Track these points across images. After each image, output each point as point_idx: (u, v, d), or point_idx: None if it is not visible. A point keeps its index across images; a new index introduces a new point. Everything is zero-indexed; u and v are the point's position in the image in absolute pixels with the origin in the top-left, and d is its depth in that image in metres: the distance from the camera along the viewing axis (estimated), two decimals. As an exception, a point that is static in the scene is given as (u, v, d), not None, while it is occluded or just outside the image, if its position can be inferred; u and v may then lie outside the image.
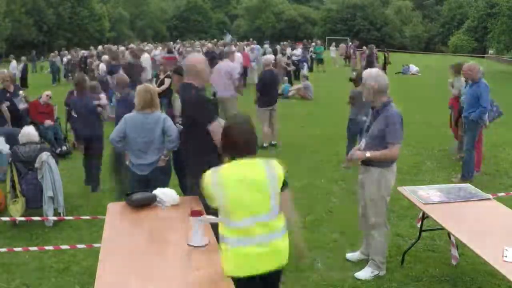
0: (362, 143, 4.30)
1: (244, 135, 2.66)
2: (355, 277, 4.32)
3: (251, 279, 2.62)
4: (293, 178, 7.23)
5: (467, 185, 4.75)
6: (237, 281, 2.61)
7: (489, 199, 4.35)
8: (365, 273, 4.34)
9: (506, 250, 3.24)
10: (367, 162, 4.19)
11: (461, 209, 4.15)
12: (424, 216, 4.36)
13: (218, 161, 3.96)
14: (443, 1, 53.05)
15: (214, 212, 3.76)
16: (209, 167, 3.87)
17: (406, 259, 4.57)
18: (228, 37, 23.18)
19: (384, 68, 22.60)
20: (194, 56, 4.44)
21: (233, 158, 2.66)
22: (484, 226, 3.82)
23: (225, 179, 2.60)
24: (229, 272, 2.63)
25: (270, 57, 10.06)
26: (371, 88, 4.10)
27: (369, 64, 21.69)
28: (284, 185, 2.73)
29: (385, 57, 23.08)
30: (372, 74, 4.20)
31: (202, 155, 3.88)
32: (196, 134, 3.92)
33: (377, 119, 4.12)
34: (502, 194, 5.57)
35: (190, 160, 4.08)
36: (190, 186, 4.05)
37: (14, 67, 20.02)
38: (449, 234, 4.28)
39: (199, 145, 3.94)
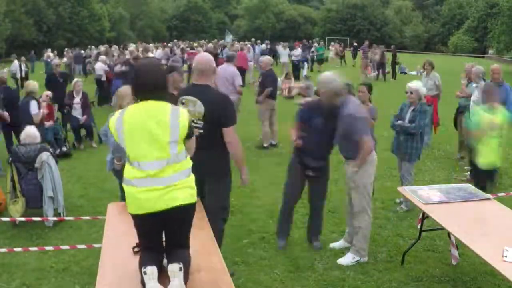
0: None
1: (149, 76, 2.61)
2: (337, 263, 4.55)
3: (145, 217, 2.57)
4: (293, 178, 7.25)
5: (467, 185, 4.75)
6: (134, 217, 2.62)
7: (489, 199, 4.36)
8: (346, 259, 4.58)
9: (506, 250, 3.25)
10: (346, 156, 4.59)
11: (461, 209, 4.15)
12: (424, 216, 4.36)
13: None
14: (443, 1, 53.03)
15: (215, 211, 3.81)
16: (228, 167, 3.99)
17: (406, 259, 4.57)
18: (229, 37, 22.07)
19: (393, 69, 22.37)
20: (204, 55, 4.11)
21: (140, 99, 2.62)
22: (484, 226, 3.82)
23: (127, 118, 2.57)
24: (128, 210, 2.63)
25: (268, 57, 9.99)
26: (331, 92, 4.35)
27: (381, 66, 21.60)
28: (190, 134, 2.67)
29: (394, 57, 22.80)
30: (329, 78, 4.45)
31: (225, 156, 3.91)
32: (220, 136, 3.80)
33: (340, 119, 4.39)
34: (502, 194, 5.57)
35: (214, 164, 3.86)
36: (213, 188, 3.93)
37: (17, 66, 19.97)
38: (449, 234, 4.29)
39: (223, 146, 3.84)
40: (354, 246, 4.60)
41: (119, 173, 4.67)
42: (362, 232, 4.54)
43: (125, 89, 4.78)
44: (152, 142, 2.53)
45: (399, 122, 5.76)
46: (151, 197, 2.54)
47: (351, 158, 4.50)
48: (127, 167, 2.62)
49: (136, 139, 2.54)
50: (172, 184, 2.55)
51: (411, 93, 5.66)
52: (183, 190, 2.59)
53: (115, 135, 2.61)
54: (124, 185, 2.63)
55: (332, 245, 4.94)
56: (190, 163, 2.68)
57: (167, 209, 2.55)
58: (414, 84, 5.78)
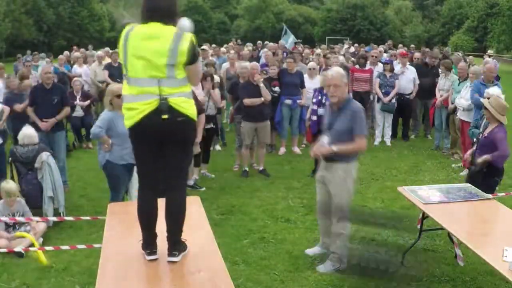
0: (324, 139, 4.38)
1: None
2: (317, 270, 4.41)
3: (138, 128, 2.69)
4: (293, 178, 7.24)
5: (467, 185, 4.75)
6: (130, 130, 2.76)
7: (489, 199, 4.36)
8: (326, 267, 4.44)
9: (506, 250, 3.25)
10: (331, 158, 4.30)
11: (461, 209, 4.15)
12: (424, 216, 4.36)
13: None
14: (443, 1, 52.99)
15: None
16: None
17: (406, 259, 4.57)
18: (291, 38, 17.50)
19: None
20: None
21: (148, 21, 2.70)
22: (484, 226, 3.82)
23: (132, 35, 2.68)
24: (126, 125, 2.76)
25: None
26: (341, 85, 4.26)
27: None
28: (194, 60, 2.70)
29: None
30: (339, 72, 4.38)
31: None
32: None
33: (341, 115, 4.26)
34: (502, 194, 5.57)
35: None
36: None
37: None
38: (449, 234, 4.29)
39: None
40: (334, 254, 4.40)
41: (108, 169, 4.92)
42: (343, 239, 4.37)
43: (112, 87, 5.06)
44: (150, 61, 2.61)
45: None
46: (143, 109, 2.64)
47: (334, 160, 4.27)
48: (125, 85, 2.74)
49: (137, 55, 2.63)
50: (164, 98, 2.63)
51: (488, 98, 5.34)
52: (176, 101, 2.66)
53: (121, 52, 2.72)
54: (123, 103, 2.75)
55: (307, 251, 4.78)
56: (189, 89, 2.76)
57: (149, 120, 2.63)
58: (492, 89, 5.73)
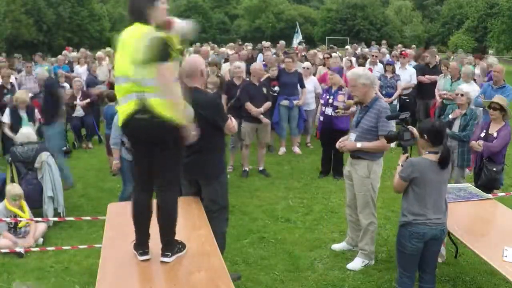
0: (351, 136, 4.44)
1: (130, 1, 2.79)
2: (347, 268, 4.43)
3: (126, 131, 2.84)
4: (293, 178, 7.24)
5: (467, 185, 4.76)
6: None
7: (489, 199, 4.36)
8: (355, 264, 4.48)
9: (506, 250, 3.26)
10: (356, 155, 4.38)
11: (461, 209, 4.15)
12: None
13: (223, 160, 3.98)
14: (443, 1, 53.04)
15: (214, 215, 3.77)
16: (220, 167, 3.92)
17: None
18: (299, 38, 17.21)
19: None
20: (193, 57, 4.10)
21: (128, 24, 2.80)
22: (484, 226, 3.82)
23: (118, 40, 2.82)
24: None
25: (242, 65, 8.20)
26: (365, 86, 4.28)
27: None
28: (159, 58, 2.58)
29: None
30: (361, 73, 4.40)
31: (216, 158, 3.85)
32: (211, 138, 3.75)
33: (367, 113, 4.30)
34: (502, 194, 5.57)
35: (205, 167, 3.81)
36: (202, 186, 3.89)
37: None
38: (449, 233, 4.28)
39: (214, 148, 3.84)
40: (363, 250, 4.50)
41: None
42: (370, 235, 4.47)
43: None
44: (122, 60, 2.71)
45: (448, 132, 5.50)
46: (123, 110, 2.74)
47: (359, 157, 4.36)
48: None
49: (116, 56, 2.79)
50: (132, 100, 2.67)
51: (462, 95, 5.50)
52: (154, 102, 2.65)
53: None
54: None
55: (334, 246, 4.87)
56: (156, 89, 2.65)
57: (130, 122, 2.70)
58: (465, 86, 5.74)
